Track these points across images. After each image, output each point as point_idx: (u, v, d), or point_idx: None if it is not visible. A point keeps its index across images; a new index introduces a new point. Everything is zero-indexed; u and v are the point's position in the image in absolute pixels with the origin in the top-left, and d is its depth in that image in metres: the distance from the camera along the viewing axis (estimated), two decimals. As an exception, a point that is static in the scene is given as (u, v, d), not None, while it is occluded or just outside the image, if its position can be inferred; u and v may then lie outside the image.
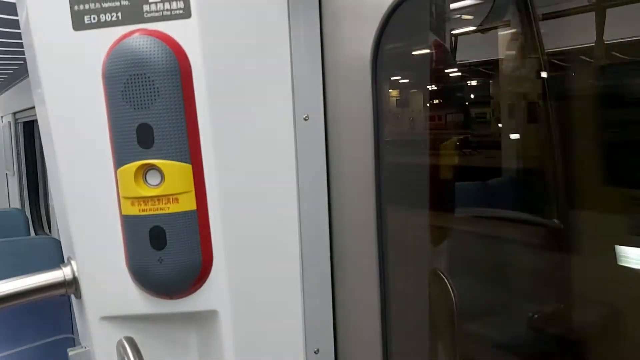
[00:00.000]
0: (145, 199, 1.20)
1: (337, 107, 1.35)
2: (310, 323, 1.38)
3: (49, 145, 1.32)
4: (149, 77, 1.17)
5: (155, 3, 1.19)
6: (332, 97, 1.35)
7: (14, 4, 1.60)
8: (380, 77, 1.28)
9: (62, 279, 1.36)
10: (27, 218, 6.21)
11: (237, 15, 1.25)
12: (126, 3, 1.20)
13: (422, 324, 1.68)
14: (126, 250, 1.26)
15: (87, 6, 1.21)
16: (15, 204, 7.82)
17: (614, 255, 1.72)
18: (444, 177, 1.83)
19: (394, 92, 1.62)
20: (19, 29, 1.43)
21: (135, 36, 1.18)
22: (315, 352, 1.40)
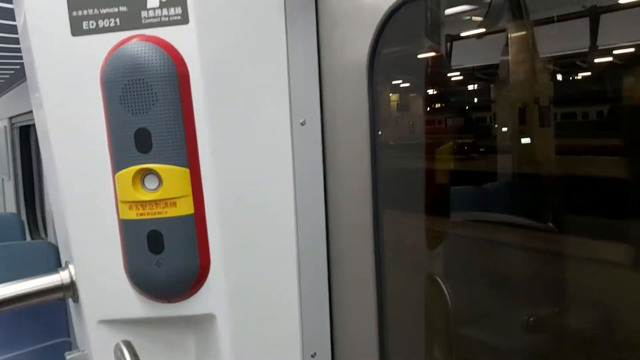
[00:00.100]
0: (143, 203, 1.21)
1: (333, 112, 1.36)
2: (308, 327, 1.38)
3: (47, 150, 1.33)
4: (147, 83, 1.17)
5: (153, 9, 1.20)
6: (329, 102, 1.36)
7: (10, 9, 1.61)
8: (377, 81, 1.29)
9: (60, 282, 1.36)
10: (23, 222, 6.19)
11: (234, 21, 1.26)
12: (124, 9, 1.20)
13: (419, 327, 1.68)
14: (124, 254, 1.27)
15: (85, 12, 1.21)
16: (11, 208, 7.80)
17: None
18: (440, 181, 1.84)
19: (390, 97, 1.63)
20: (15, 33, 1.43)
21: (133, 42, 1.19)
22: (312, 356, 1.40)
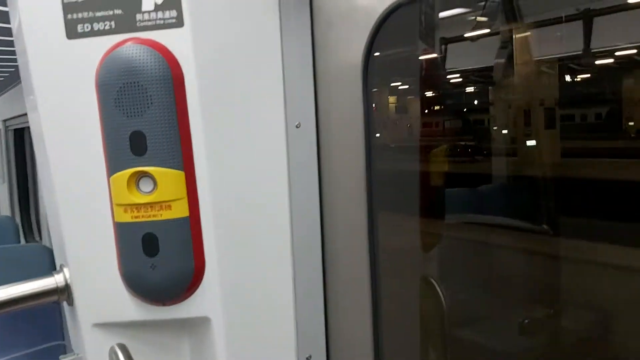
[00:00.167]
0: (138, 206, 1.21)
1: (328, 115, 1.36)
2: (303, 329, 1.38)
3: (42, 152, 1.33)
4: (142, 86, 1.17)
5: (148, 12, 1.20)
6: (324, 105, 1.36)
7: (5, 12, 1.60)
8: (371, 84, 1.29)
9: (55, 286, 1.36)
10: (18, 225, 6.17)
11: (228, 23, 1.26)
12: (119, 12, 1.20)
13: (414, 329, 1.69)
14: (119, 257, 1.26)
15: (80, 15, 1.21)
16: (6, 211, 7.77)
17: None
18: (434, 183, 1.84)
19: (384, 99, 1.63)
20: (10, 36, 1.43)
21: (128, 45, 1.19)
22: (307, 358, 1.40)
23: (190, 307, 1.29)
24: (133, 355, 1.26)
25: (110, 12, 1.21)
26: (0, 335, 3.47)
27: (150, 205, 1.21)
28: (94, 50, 1.21)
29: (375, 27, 1.23)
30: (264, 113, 1.31)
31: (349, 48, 1.29)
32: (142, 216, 1.21)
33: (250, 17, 1.28)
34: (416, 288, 1.74)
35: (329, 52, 1.34)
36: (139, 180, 1.21)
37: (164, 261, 1.22)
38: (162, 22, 1.20)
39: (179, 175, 1.21)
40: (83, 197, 1.27)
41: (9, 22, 1.43)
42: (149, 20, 1.20)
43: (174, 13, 1.20)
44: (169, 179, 1.20)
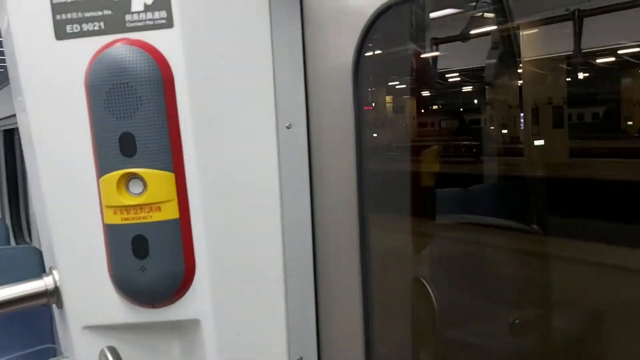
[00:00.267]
0: (127, 208, 1.20)
1: (319, 116, 1.36)
2: (294, 331, 1.38)
3: (30, 154, 1.32)
4: (131, 87, 1.17)
5: (138, 13, 1.19)
6: (315, 106, 1.36)
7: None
8: (362, 85, 1.29)
9: (44, 288, 1.35)
10: (8, 227, 6.13)
11: (219, 24, 1.26)
12: (109, 13, 1.20)
13: (405, 330, 1.69)
14: (108, 259, 1.26)
15: (69, 15, 1.20)
16: (-5, 213, 7.71)
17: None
18: (425, 183, 1.85)
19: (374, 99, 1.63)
20: None
21: (118, 45, 1.18)
22: None
23: (180, 309, 1.28)
24: (123, 358, 1.26)
25: (100, 13, 1.20)
26: (-11, 337, 3.45)
27: (140, 207, 1.20)
28: (83, 51, 1.20)
29: (366, 28, 1.23)
30: (255, 114, 1.31)
31: (340, 49, 1.28)
32: (132, 218, 1.20)
33: (240, 18, 1.28)
34: (407, 289, 1.74)
35: (319, 53, 1.34)
36: (128, 182, 1.20)
37: (154, 263, 1.22)
38: (151, 22, 1.19)
39: (168, 176, 1.20)
40: (72, 198, 1.26)
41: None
42: (139, 21, 1.20)
43: (163, 14, 1.19)
44: (158, 180, 1.20)
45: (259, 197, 1.33)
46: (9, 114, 6.30)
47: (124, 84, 1.17)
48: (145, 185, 1.19)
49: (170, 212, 1.21)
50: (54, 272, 1.35)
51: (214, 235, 1.27)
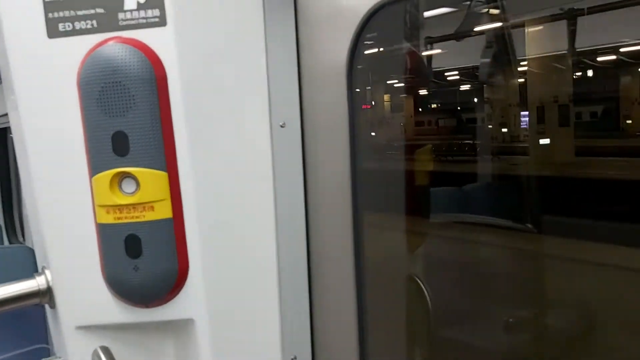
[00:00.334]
0: (120, 207, 1.20)
1: (313, 114, 1.36)
2: (288, 330, 1.38)
3: (23, 153, 1.31)
4: (124, 85, 1.16)
5: (131, 11, 1.19)
6: (309, 104, 1.36)
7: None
8: (356, 83, 1.29)
9: (37, 288, 1.34)
10: (0, 226, 6.10)
11: (212, 23, 1.25)
12: (101, 11, 1.19)
13: (399, 330, 1.69)
14: (101, 258, 1.25)
15: (61, 14, 1.20)
16: (-12, 212, 7.68)
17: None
18: (419, 182, 1.85)
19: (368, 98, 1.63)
20: None
21: (111, 44, 1.18)
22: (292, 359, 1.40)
23: (174, 309, 1.27)
24: (116, 358, 1.25)
25: (92, 11, 1.19)
26: (-18, 338, 3.43)
27: (133, 206, 1.19)
28: (76, 49, 1.19)
29: (360, 26, 1.23)
30: (248, 113, 1.30)
31: (334, 47, 1.28)
32: (125, 217, 1.20)
33: (234, 16, 1.27)
34: (401, 288, 1.74)
35: (313, 52, 1.34)
36: (121, 181, 1.20)
37: (147, 263, 1.21)
38: (144, 21, 1.19)
39: (162, 175, 1.20)
40: (65, 198, 1.25)
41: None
42: (132, 19, 1.19)
43: (156, 12, 1.19)
44: (152, 179, 1.19)
45: (252, 196, 1.32)
46: (1, 113, 6.27)
47: (116, 82, 1.16)
48: (138, 184, 1.19)
49: (164, 211, 1.21)
50: (47, 271, 1.34)
51: (207, 234, 1.26)
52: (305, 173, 1.38)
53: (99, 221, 1.23)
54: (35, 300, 1.35)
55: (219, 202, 1.28)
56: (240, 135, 1.30)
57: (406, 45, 1.71)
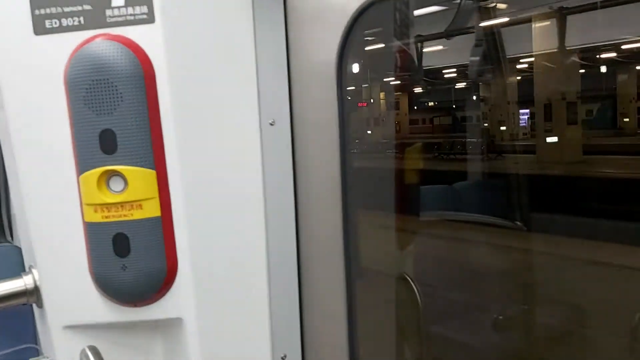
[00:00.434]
0: (108, 206, 1.19)
1: (303, 112, 1.36)
2: (277, 329, 1.37)
3: (9, 151, 1.30)
4: (111, 83, 1.15)
5: (118, 8, 1.18)
6: (298, 102, 1.36)
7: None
8: (345, 81, 1.29)
9: (24, 287, 1.33)
10: (-12, 225, 6.04)
11: (201, 20, 1.25)
12: (88, 7, 1.18)
13: (389, 328, 1.69)
14: (89, 257, 1.24)
15: (48, 10, 1.19)
16: (-24, 211, 7.62)
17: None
18: (409, 181, 1.85)
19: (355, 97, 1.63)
20: None
21: (98, 41, 1.17)
22: (282, 358, 1.39)
23: (162, 308, 1.27)
24: (105, 358, 1.24)
25: (79, 8, 1.18)
26: (-32, 338, 3.40)
27: (121, 204, 1.19)
28: (63, 46, 1.18)
29: (349, 25, 1.23)
30: (238, 110, 1.30)
31: (323, 46, 1.28)
32: (113, 216, 1.19)
33: (223, 14, 1.27)
34: (391, 286, 1.74)
35: (303, 50, 1.34)
36: (109, 180, 1.19)
37: (135, 262, 1.21)
38: (132, 17, 1.18)
39: (150, 174, 1.19)
40: (52, 196, 1.24)
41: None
42: (119, 15, 1.18)
43: (144, 9, 1.18)
44: (140, 177, 1.18)
45: (242, 194, 1.32)
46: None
47: (104, 79, 1.15)
48: (126, 182, 1.18)
49: (152, 210, 1.20)
50: (34, 270, 1.33)
51: (196, 233, 1.26)
52: (295, 171, 1.38)
53: (86, 220, 1.22)
54: (23, 300, 1.34)
55: (208, 200, 1.28)
56: (229, 133, 1.29)
57: (396, 43, 1.71)
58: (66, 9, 1.18)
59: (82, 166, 1.19)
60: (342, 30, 1.24)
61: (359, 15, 1.22)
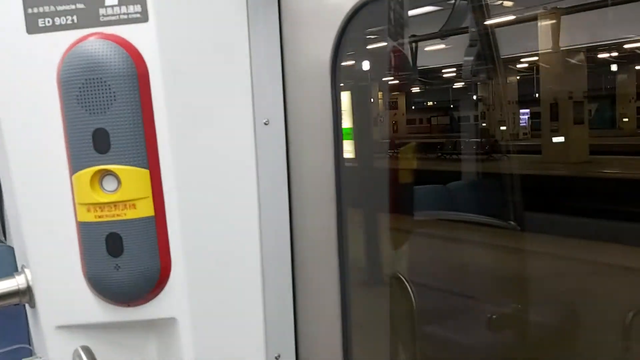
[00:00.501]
0: (101, 205, 1.18)
1: (297, 112, 1.35)
2: (271, 328, 1.37)
3: (2, 150, 1.29)
4: (105, 82, 1.15)
5: (112, 7, 1.17)
6: (293, 101, 1.36)
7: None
8: (340, 81, 1.29)
9: (16, 287, 1.32)
10: (-19, 225, 6.01)
11: (195, 19, 1.24)
12: (82, 6, 1.18)
13: (383, 327, 1.69)
14: (82, 257, 1.24)
15: (41, 9, 1.18)
16: (-31, 210, 7.58)
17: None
18: (403, 180, 1.85)
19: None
20: None
21: (91, 40, 1.16)
22: (276, 358, 1.39)
23: (156, 308, 1.26)
24: (98, 358, 1.24)
25: (72, 7, 1.18)
26: (-39, 338, 3.38)
27: (114, 204, 1.18)
28: (56, 45, 1.18)
29: (343, 24, 1.23)
30: (232, 110, 1.30)
31: (317, 45, 1.28)
32: (106, 216, 1.19)
33: (217, 13, 1.26)
34: (385, 285, 1.74)
35: (297, 49, 1.34)
36: (102, 179, 1.18)
37: (129, 261, 1.20)
38: (126, 17, 1.18)
39: (143, 173, 1.19)
40: (44, 196, 1.24)
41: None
42: (113, 15, 1.18)
43: (138, 8, 1.17)
44: (133, 177, 1.18)
45: (236, 194, 1.32)
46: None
47: (97, 78, 1.15)
48: (119, 182, 1.18)
49: (145, 209, 1.20)
50: (26, 270, 1.32)
51: (190, 232, 1.25)
52: (289, 171, 1.38)
53: (79, 219, 1.21)
54: (15, 300, 1.33)
55: (202, 200, 1.27)
56: (223, 132, 1.29)
57: (390, 42, 1.71)
58: (59, 8, 1.18)
59: (75, 165, 1.19)
60: (336, 30, 1.24)
61: (353, 15, 1.22)
